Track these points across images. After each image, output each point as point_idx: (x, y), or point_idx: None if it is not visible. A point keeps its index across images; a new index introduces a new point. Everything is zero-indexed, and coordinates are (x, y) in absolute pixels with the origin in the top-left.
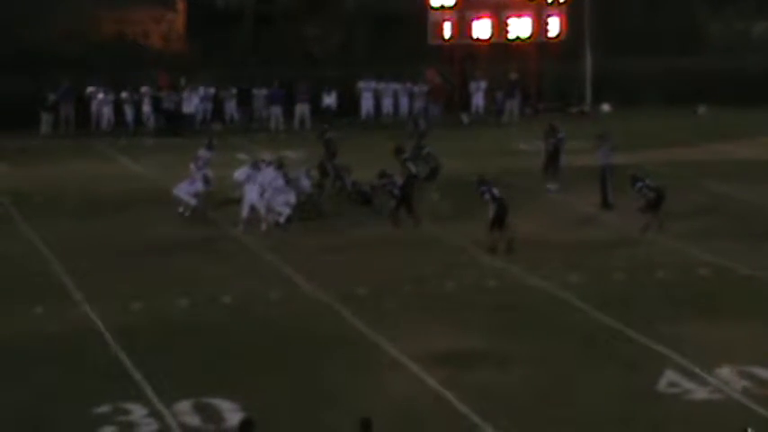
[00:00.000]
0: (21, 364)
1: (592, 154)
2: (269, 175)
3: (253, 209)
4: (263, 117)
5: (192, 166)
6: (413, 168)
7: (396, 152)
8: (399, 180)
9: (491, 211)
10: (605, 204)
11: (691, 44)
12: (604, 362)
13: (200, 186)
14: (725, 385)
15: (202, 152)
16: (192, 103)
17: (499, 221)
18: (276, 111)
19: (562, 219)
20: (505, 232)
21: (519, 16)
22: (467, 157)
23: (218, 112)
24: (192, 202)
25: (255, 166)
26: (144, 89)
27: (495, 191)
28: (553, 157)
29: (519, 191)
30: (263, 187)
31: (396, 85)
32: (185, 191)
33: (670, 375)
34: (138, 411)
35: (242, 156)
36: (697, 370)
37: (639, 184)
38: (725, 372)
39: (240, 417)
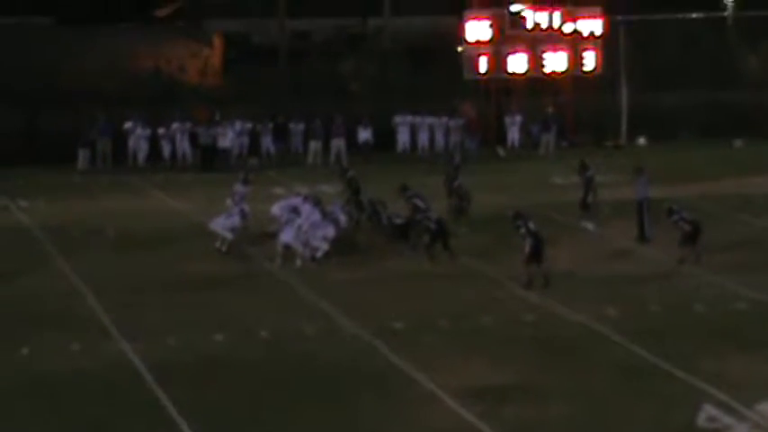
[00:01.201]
0: (56, 399)
1: (628, 187)
2: (305, 210)
3: (287, 247)
4: (299, 152)
5: (228, 201)
6: (420, 204)
7: (400, 190)
8: (435, 215)
9: (527, 245)
10: (642, 238)
11: (727, 78)
12: (642, 396)
13: (236, 221)
14: (765, 420)
15: (239, 187)
16: (228, 138)
17: (536, 256)
18: (315, 146)
19: (598, 252)
20: (542, 266)
21: (554, 51)
22: (503, 190)
23: (254, 146)
24: (229, 236)
25: (295, 210)
26: (177, 125)
27: (531, 225)
28: (586, 193)
29: (555, 224)
30: (300, 226)
31: (431, 119)
32: (222, 225)
33: (709, 410)
34: None
35: (278, 190)
36: (736, 405)
37: (675, 217)
38: (765, 407)
39: None
